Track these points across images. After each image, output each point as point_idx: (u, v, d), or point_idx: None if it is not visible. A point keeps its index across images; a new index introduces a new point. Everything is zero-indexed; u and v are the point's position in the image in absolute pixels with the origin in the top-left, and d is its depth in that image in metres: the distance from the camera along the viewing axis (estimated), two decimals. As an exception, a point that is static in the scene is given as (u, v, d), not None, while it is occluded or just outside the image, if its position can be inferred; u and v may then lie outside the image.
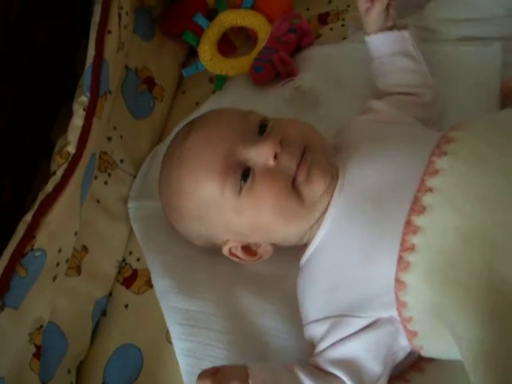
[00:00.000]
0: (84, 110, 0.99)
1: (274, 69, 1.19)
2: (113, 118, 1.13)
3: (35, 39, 1.05)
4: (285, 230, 0.90)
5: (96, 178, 1.08)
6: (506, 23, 1.11)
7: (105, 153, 1.11)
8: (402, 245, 0.76)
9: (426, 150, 0.80)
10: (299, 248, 0.92)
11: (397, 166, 0.83)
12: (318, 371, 0.83)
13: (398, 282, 0.76)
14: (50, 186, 0.93)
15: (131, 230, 1.12)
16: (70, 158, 0.95)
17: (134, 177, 1.18)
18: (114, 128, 1.14)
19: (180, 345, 0.95)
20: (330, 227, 0.86)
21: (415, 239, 0.75)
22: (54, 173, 0.95)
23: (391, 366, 0.83)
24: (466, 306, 0.71)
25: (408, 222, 0.76)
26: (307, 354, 0.87)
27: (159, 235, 1.05)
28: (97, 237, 1.07)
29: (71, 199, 0.95)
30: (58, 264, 0.94)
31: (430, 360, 0.84)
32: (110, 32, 1.06)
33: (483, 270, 0.71)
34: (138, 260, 1.10)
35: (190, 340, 0.94)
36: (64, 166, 0.95)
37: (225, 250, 0.94)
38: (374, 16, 1.02)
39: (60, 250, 0.94)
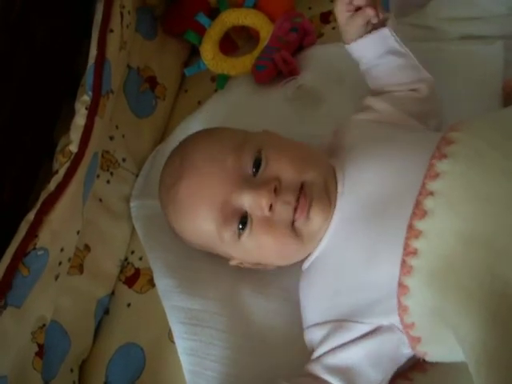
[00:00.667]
0: (86, 109, 0.99)
1: (276, 68, 1.19)
2: (115, 117, 1.13)
3: (36, 39, 1.04)
4: (286, 263, 0.93)
5: (98, 176, 1.08)
6: (507, 22, 1.11)
7: (107, 152, 1.11)
8: (404, 249, 0.76)
9: (427, 153, 0.79)
10: None
11: (398, 170, 0.83)
12: (311, 381, 0.83)
13: (401, 287, 0.76)
14: (52, 185, 0.93)
15: (133, 229, 1.13)
16: (72, 157, 0.95)
17: (137, 176, 1.18)
18: (117, 127, 1.14)
19: (182, 344, 0.95)
20: (333, 233, 0.86)
21: (417, 243, 0.75)
22: (57, 172, 0.95)
23: (392, 373, 0.83)
24: (468, 309, 0.71)
25: (410, 227, 0.76)
26: (309, 355, 0.87)
27: (161, 234, 1.05)
28: (99, 236, 1.07)
29: (73, 198, 0.95)
30: (60, 263, 0.94)
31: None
32: (112, 31, 1.06)
33: (486, 273, 0.70)
34: (141, 259, 1.10)
35: (192, 339, 0.94)
36: (66, 165, 0.95)
37: (231, 263, 0.95)
38: (354, 28, 0.98)
39: (62, 249, 0.94)
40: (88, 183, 1.00)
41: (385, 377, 0.82)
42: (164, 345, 1.00)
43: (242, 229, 0.86)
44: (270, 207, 0.83)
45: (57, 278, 0.94)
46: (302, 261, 0.91)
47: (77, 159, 0.95)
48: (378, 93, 1.01)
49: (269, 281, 0.97)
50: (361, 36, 0.98)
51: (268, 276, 0.98)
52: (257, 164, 0.86)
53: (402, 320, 0.77)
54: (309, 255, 0.89)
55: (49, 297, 0.93)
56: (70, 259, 0.98)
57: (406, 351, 0.81)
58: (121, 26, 1.10)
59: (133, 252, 1.12)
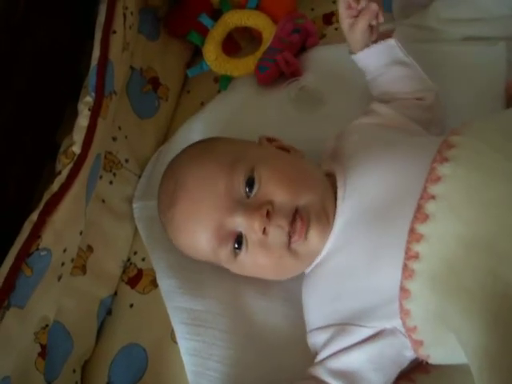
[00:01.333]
0: (89, 110, 0.99)
1: (279, 69, 1.19)
2: (118, 118, 1.13)
3: (39, 40, 1.04)
4: (283, 278, 0.94)
5: (101, 177, 1.08)
6: (510, 23, 1.11)
7: (110, 153, 1.11)
8: (406, 253, 0.75)
9: (428, 156, 0.79)
10: None
11: (399, 174, 0.83)
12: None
13: (403, 290, 0.76)
14: (55, 186, 0.93)
15: (136, 230, 1.13)
16: (75, 158, 0.95)
17: (139, 177, 1.18)
18: (119, 128, 1.14)
19: (185, 344, 0.95)
20: (335, 237, 0.86)
21: (419, 247, 0.75)
22: (60, 173, 0.95)
23: (395, 376, 0.83)
24: (470, 312, 0.71)
25: (412, 230, 0.75)
26: (311, 356, 0.87)
27: (164, 235, 1.05)
28: (102, 236, 1.07)
29: (76, 199, 0.95)
30: (63, 263, 0.94)
31: (435, 362, 0.84)
32: (115, 32, 1.06)
33: (488, 276, 0.70)
34: (143, 260, 1.10)
35: (195, 339, 0.95)
36: (69, 166, 0.95)
37: (232, 271, 0.95)
38: (358, 35, 0.99)
39: (65, 250, 0.94)
40: (91, 184, 1.00)
41: (387, 380, 0.82)
42: (167, 345, 1.00)
43: (239, 248, 0.87)
44: (264, 230, 0.83)
45: (60, 278, 0.94)
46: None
47: (80, 160, 0.95)
48: (382, 100, 1.02)
49: (271, 282, 0.97)
50: (367, 46, 1.00)
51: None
52: (249, 183, 0.86)
53: (404, 323, 0.77)
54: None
55: (52, 297, 0.93)
56: (72, 260, 0.98)
57: (409, 354, 0.81)
58: (124, 27, 1.10)
59: (135, 253, 1.12)
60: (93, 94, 1.00)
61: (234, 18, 1.27)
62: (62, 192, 0.92)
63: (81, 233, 0.98)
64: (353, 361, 0.81)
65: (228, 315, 0.96)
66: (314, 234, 0.84)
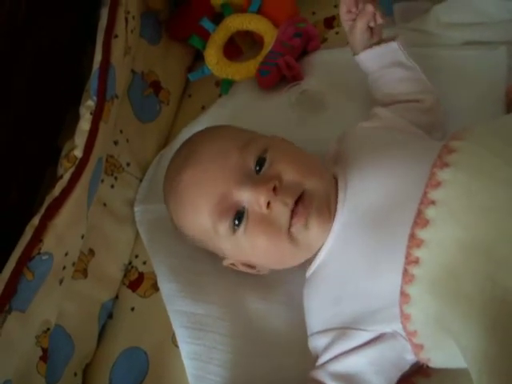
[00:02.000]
0: (91, 114, 0.99)
1: (280, 73, 1.19)
2: (119, 121, 1.13)
3: (41, 43, 1.05)
4: (280, 267, 0.93)
5: (103, 181, 1.08)
6: (510, 27, 1.11)
7: (111, 156, 1.12)
8: (406, 258, 0.75)
9: (429, 161, 0.79)
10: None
11: (399, 178, 0.83)
12: None
13: (403, 295, 0.76)
14: (57, 190, 0.93)
15: (137, 234, 1.13)
16: (77, 162, 0.96)
17: (141, 180, 1.19)
18: (121, 132, 1.15)
19: (186, 348, 0.95)
20: (335, 242, 0.86)
21: (419, 252, 0.75)
22: (61, 177, 0.95)
23: (396, 380, 0.83)
24: (469, 317, 0.71)
25: (412, 236, 0.75)
26: (312, 360, 0.87)
27: (165, 238, 1.06)
28: (103, 240, 1.07)
29: (78, 203, 0.95)
30: (64, 267, 0.94)
31: (436, 365, 0.84)
32: (116, 36, 1.07)
33: (487, 281, 0.70)
34: (145, 263, 1.10)
35: (196, 343, 0.95)
36: (71, 170, 0.95)
37: (225, 263, 0.95)
38: (357, 35, 1.01)
39: (67, 254, 0.94)
40: (92, 188, 1.00)
41: (389, 383, 0.82)
42: (168, 349, 1.00)
43: (238, 224, 0.86)
44: (268, 205, 0.83)
45: (61, 282, 0.94)
46: (305, 266, 0.91)
47: (81, 164, 0.96)
48: (383, 103, 1.02)
49: (272, 286, 0.97)
50: (370, 47, 1.01)
51: (271, 281, 0.98)
52: (260, 163, 0.87)
53: (404, 328, 0.77)
54: (311, 263, 0.89)
55: (53, 301, 0.94)
56: (74, 263, 0.98)
57: (410, 357, 0.81)
58: (125, 31, 1.10)
59: (137, 256, 1.12)
60: (94, 98, 1.00)
61: (236, 22, 1.27)
62: (63, 196, 0.92)
63: (82, 236, 0.99)
64: (354, 364, 0.81)
65: (229, 319, 0.96)
66: (314, 223, 0.84)
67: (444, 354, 0.79)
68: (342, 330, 0.83)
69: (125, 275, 1.10)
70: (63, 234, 0.92)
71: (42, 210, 0.91)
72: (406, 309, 0.76)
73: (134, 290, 1.08)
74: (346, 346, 0.82)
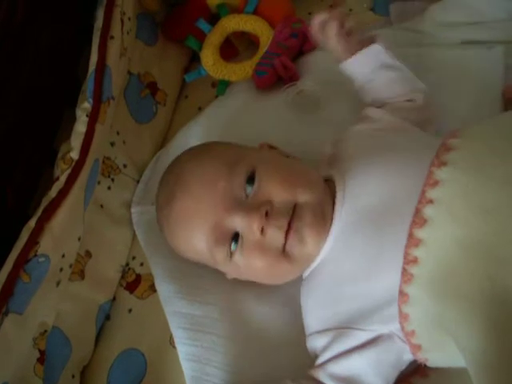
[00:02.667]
0: (87, 115, 1.00)
1: (276, 73, 1.19)
2: (116, 123, 1.13)
3: (37, 46, 1.05)
4: (280, 282, 0.94)
5: (99, 183, 1.08)
6: (507, 27, 1.11)
7: (108, 158, 1.11)
8: (405, 257, 0.75)
9: (426, 160, 0.79)
10: None
11: (397, 178, 0.83)
12: None
13: (402, 295, 0.76)
14: (53, 192, 0.93)
15: (134, 235, 1.13)
16: (73, 164, 0.96)
17: (138, 182, 1.18)
18: (117, 133, 1.14)
19: (184, 349, 0.95)
20: (334, 243, 0.86)
21: (417, 252, 0.75)
22: (58, 178, 0.95)
23: (394, 380, 0.83)
24: (468, 317, 0.71)
25: (410, 235, 0.76)
26: (311, 361, 0.87)
27: (162, 240, 1.05)
28: (100, 242, 1.07)
29: (75, 205, 0.95)
30: (61, 269, 0.94)
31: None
32: (112, 38, 1.07)
33: (486, 281, 0.70)
34: (142, 265, 1.10)
35: (194, 345, 0.95)
36: (67, 172, 0.95)
37: (228, 277, 0.96)
38: (333, 45, 1.01)
39: (63, 256, 0.94)
40: (89, 189, 1.00)
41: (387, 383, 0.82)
42: (165, 350, 1.00)
43: (235, 250, 0.87)
44: (262, 230, 0.83)
45: (58, 284, 0.94)
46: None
47: (78, 166, 0.96)
48: (374, 105, 1.01)
49: (270, 287, 0.97)
50: (352, 53, 1.00)
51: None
52: (249, 183, 0.86)
53: (402, 328, 0.78)
54: (309, 264, 0.89)
55: (50, 303, 0.93)
56: (71, 265, 0.98)
57: (408, 357, 0.81)
58: (121, 32, 1.10)
59: (134, 258, 1.12)
60: (90, 100, 1.00)
61: (232, 23, 1.27)
62: (60, 198, 0.92)
63: (79, 238, 0.99)
64: (352, 365, 0.82)
65: (227, 320, 0.96)
66: (309, 235, 0.84)
67: (442, 354, 0.79)
68: (340, 329, 0.83)
69: (122, 277, 1.10)
70: (60, 236, 0.92)
71: (39, 212, 0.91)
72: (405, 308, 0.76)
73: (131, 292, 1.08)
74: (345, 346, 0.82)
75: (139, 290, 1.08)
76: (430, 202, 0.75)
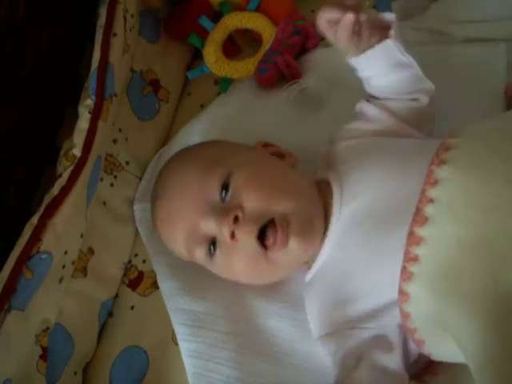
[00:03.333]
0: (89, 112, 1.00)
1: (279, 71, 1.19)
2: (118, 120, 1.13)
3: (40, 43, 1.05)
4: (265, 283, 0.94)
5: (102, 180, 1.08)
6: (510, 25, 1.11)
7: (110, 155, 1.11)
8: (405, 256, 0.76)
9: (426, 159, 0.79)
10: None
11: (397, 178, 0.83)
12: None
13: (401, 293, 0.76)
14: (56, 189, 0.93)
15: (137, 232, 1.13)
16: (75, 161, 0.96)
17: (140, 179, 1.18)
18: (120, 130, 1.14)
19: (186, 346, 0.95)
20: (334, 246, 0.86)
21: (418, 250, 0.75)
22: (60, 175, 0.95)
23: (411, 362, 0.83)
24: (469, 313, 0.71)
25: (411, 234, 0.76)
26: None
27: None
28: (103, 239, 1.07)
29: (77, 202, 0.95)
30: (64, 266, 0.94)
31: (443, 363, 0.84)
32: (115, 35, 1.07)
33: (487, 279, 0.70)
34: (144, 262, 1.10)
35: (196, 341, 0.95)
36: (70, 169, 0.95)
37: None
38: (343, 44, 0.92)
39: (66, 252, 0.94)
40: (91, 187, 1.00)
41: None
42: (168, 347, 1.00)
43: (214, 250, 0.88)
44: (233, 235, 0.83)
45: (61, 281, 0.95)
46: (305, 266, 0.91)
47: (80, 163, 0.96)
48: (374, 98, 0.98)
49: (273, 284, 0.97)
50: (363, 50, 0.92)
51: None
52: (225, 188, 0.87)
53: (405, 326, 0.78)
54: (310, 268, 0.90)
55: (52, 300, 0.94)
56: (73, 262, 0.98)
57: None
58: (124, 29, 1.10)
59: (136, 255, 1.12)
60: (93, 97, 1.00)
61: (234, 20, 1.27)
62: (62, 195, 0.93)
63: (82, 235, 0.99)
64: (380, 360, 0.81)
65: (229, 317, 0.96)
66: (294, 243, 0.84)
67: (445, 350, 0.79)
68: (348, 330, 0.83)
69: (124, 274, 1.10)
70: (62, 233, 0.92)
71: (41, 209, 0.91)
72: (405, 307, 0.76)
73: (133, 289, 1.08)
74: (354, 344, 0.83)
75: (141, 287, 1.08)
76: (431, 200, 0.76)
